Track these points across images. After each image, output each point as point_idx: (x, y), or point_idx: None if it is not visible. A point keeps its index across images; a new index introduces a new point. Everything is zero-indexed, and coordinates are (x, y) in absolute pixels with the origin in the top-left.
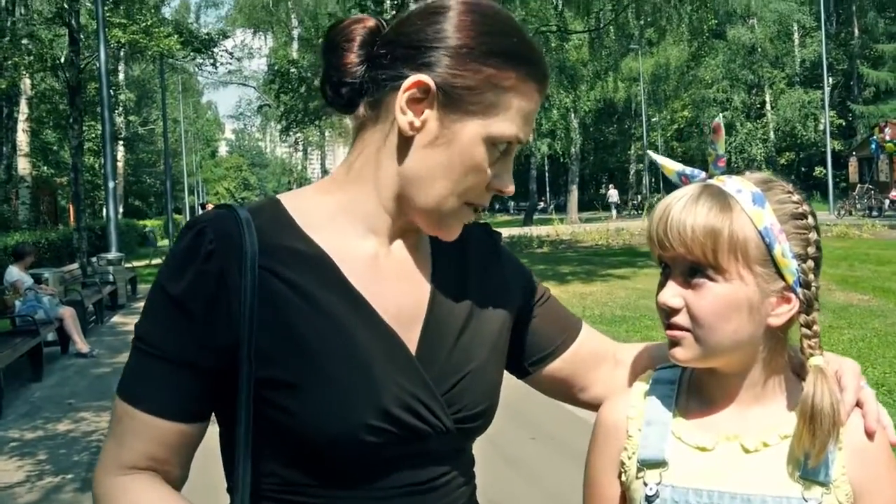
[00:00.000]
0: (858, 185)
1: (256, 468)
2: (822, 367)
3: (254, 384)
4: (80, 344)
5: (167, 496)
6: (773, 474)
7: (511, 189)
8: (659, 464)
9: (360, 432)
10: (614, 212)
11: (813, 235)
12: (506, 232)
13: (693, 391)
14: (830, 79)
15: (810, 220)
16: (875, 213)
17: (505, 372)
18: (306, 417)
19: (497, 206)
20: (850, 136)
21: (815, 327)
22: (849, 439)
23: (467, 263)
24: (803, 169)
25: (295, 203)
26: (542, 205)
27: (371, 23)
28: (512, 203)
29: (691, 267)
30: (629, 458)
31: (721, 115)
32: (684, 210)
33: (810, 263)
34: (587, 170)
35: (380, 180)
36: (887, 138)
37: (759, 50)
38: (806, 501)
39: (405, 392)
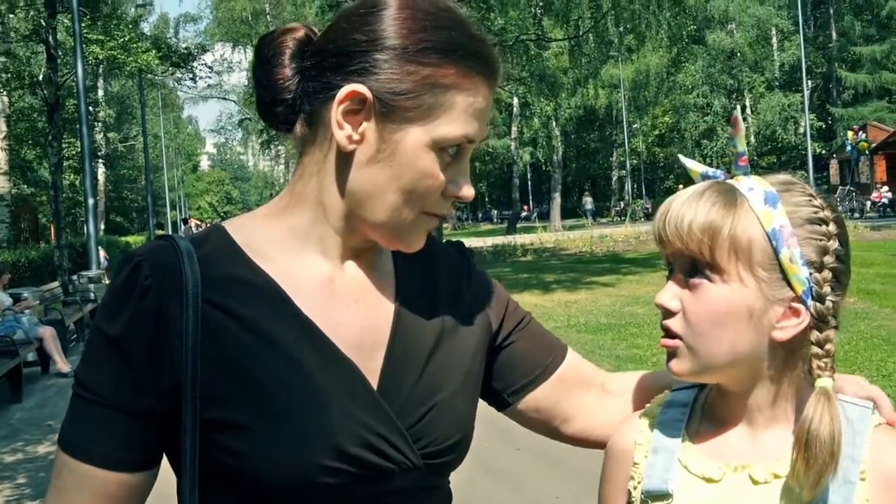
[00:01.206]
0: (840, 188)
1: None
2: (829, 391)
3: (201, 427)
4: (61, 364)
5: None
6: None
7: (469, 194)
8: (663, 496)
9: (316, 474)
10: (590, 219)
11: (833, 244)
12: (489, 241)
13: (706, 414)
14: (809, 82)
15: (832, 227)
16: (857, 215)
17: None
18: (257, 460)
19: (480, 216)
20: (830, 139)
21: (827, 346)
22: (875, 469)
23: (437, 284)
24: (784, 172)
25: (241, 230)
26: (525, 213)
27: (301, 32)
28: (495, 212)
29: (691, 265)
30: (634, 489)
31: (738, 108)
32: (685, 204)
33: (826, 274)
34: (570, 177)
35: (325, 200)
36: (861, 136)
37: (739, 55)
38: None
39: (365, 428)
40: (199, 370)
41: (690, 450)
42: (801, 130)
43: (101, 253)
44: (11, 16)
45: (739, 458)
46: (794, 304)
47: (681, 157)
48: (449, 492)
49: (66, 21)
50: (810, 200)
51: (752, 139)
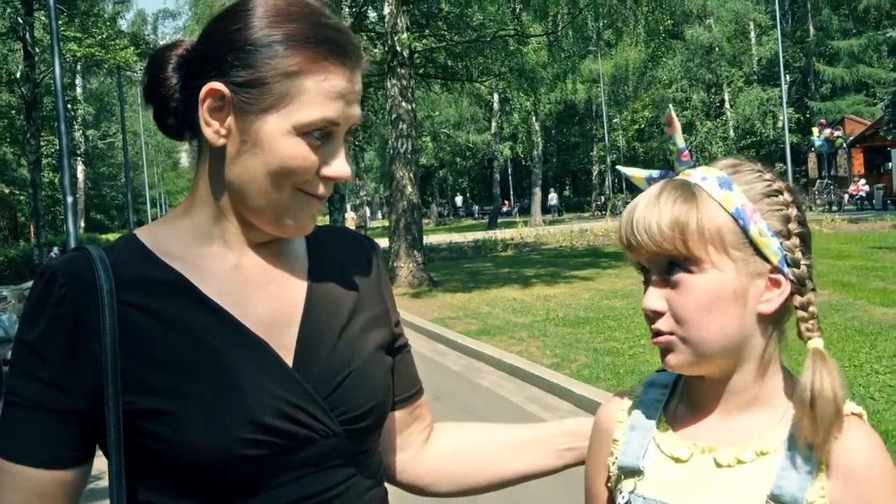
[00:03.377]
0: (818, 181)
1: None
2: (822, 350)
3: (126, 418)
4: None
5: None
6: (742, 493)
7: (343, 173)
8: (635, 472)
9: (237, 447)
10: (555, 214)
11: (792, 211)
12: (470, 236)
13: (684, 396)
14: (787, 76)
15: (787, 195)
16: (835, 208)
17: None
18: (179, 442)
19: (463, 213)
20: (808, 133)
21: (811, 308)
22: (834, 459)
23: (348, 265)
24: (764, 165)
25: (149, 234)
26: (505, 208)
27: (182, 48)
28: (476, 207)
29: (668, 263)
30: (613, 464)
31: (671, 105)
32: (647, 208)
33: (795, 240)
34: (550, 172)
35: (217, 197)
36: (836, 134)
37: (717, 49)
38: None
39: (280, 400)
40: (119, 367)
41: (665, 430)
42: (780, 124)
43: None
44: None
45: (708, 440)
46: (773, 275)
47: (619, 167)
48: (377, 459)
49: (43, 18)
50: (760, 175)
51: (731, 133)
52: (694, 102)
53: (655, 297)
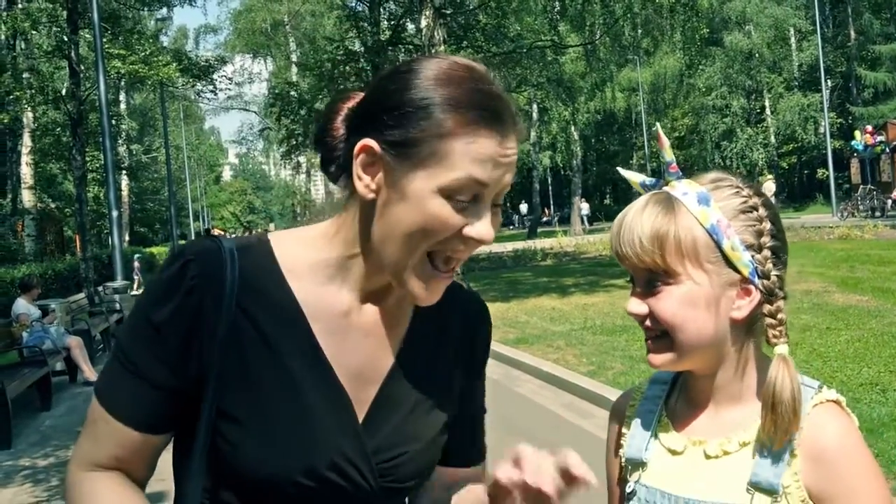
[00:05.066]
0: (861, 187)
1: (200, 484)
2: (786, 356)
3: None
4: (88, 372)
5: (127, 496)
6: (727, 482)
7: (485, 236)
8: (640, 464)
9: (286, 485)
10: (586, 224)
11: (766, 225)
12: (510, 246)
13: (682, 391)
14: (829, 81)
15: (761, 211)
16: (878, 214)
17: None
18: (244, 454)
19: (503, 221)
20: (851, 138)
21: (779, 316)
22: (806, 446)
23: (446, 339)
24: (805, 172)
25: (282, 247)
26: (545, 217)
27: (353, 100)
28: (516, 216)
29: (648, 276)
30: (622, 456)
31: (658, 124)
32: (633, 220)
33: (766, 253)
34: (590, 181)
35: (355, 243)
36: (878, 139)
37: (757, 55)
38: None
39: (341, 455)
40: (222, 365)
41: (665, 423)
42: (822, 130)
43: (136, 264)
44: (34, 32)
45: (700, 433)
46: (744, 286)
47: (620, 169)
48: None
49: (87, 36)
50: (738, 192)
51: (773, 139)
52: (734, 109)
53: (637, 304)
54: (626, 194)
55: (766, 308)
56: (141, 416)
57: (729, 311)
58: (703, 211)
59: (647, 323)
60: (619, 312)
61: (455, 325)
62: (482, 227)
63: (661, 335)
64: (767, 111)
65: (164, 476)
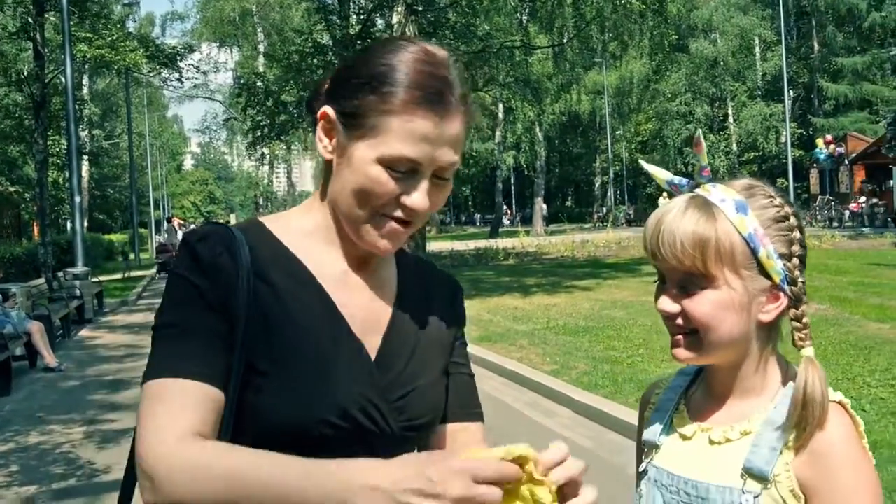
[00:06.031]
0: (819, 197)
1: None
2: (813, 358)
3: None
4: (49, 358)
5: (262, 452)
6: (724, 466)
7: (417, 205)
8: (654, 446)
9: (317, 426)
10: (542, 224)
11: (796, 234)
12: (472, 244)
13: (702, 383)
14: (791, 92)
15: (793, 220)
16: (836, 224)
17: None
18: (272, 403)
19: (464, 219)
20: (811, 148)
21: (804, 320)
22: (809, 441)
23: (429, 299)
24: (766, 180)
25: (276, 224)
26: (507, 217)
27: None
28: (479, 216)
29: (684, 277)
30: (643, 437)
31: (699, 129)
32: (673, 222)
33: (795, 261)
34: (553, 182)
35: (329, 204)
36: (839, 150)
37: (722, 63)
38: (744, 493)
39: (362, 395)
40: (247, 323)
41: (682, 411)
42: (783, 140)
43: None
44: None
45: (710, 421)
46: (774, 291)
47: (643, 163)
48: None
49: (53, 19)
50: (772, 201)
51: (734, 147)
52: (697, 116)
53: (669, 303)
54: (587, 197)
55: (793, 312)
56: (211, 369)
57: (757, 314)
58: (741, 219)
59: (679, 322)
60: (581, 313)
61: (434, 288)
62: (417, 198)
63: (689, 333)
64: (730, 119)
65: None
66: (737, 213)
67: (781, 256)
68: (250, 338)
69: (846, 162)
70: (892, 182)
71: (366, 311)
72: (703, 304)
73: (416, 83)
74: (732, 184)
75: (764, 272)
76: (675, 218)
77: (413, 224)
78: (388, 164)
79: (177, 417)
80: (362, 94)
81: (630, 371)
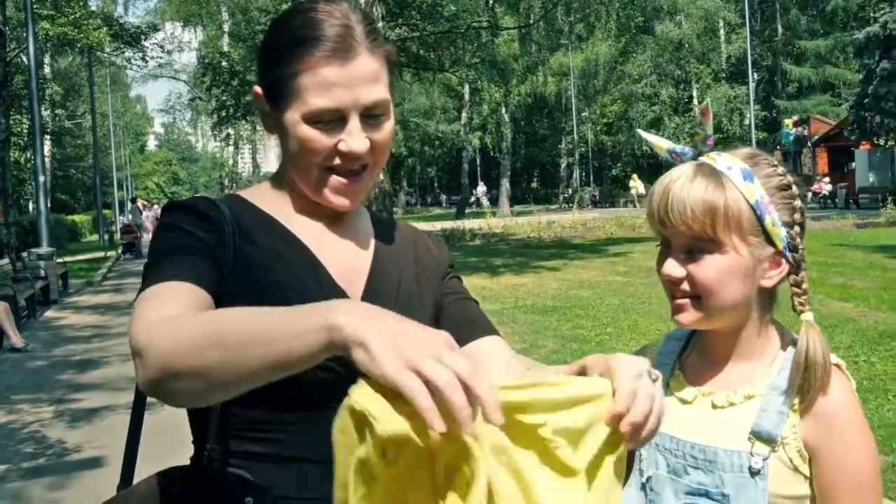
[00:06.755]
0: None
1: (223, 409)
2: (812, 321)
3: None
4: (14, 338)
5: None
6: (731, 430)
7: (355, 148)
8: None
9: (314, 369)
10: (475, 207)
11: (798, 203)
12: (438, 225)
13: (697, 347)
14: (755, 74)
15: (795, 189)
16: None
17: None
18: None
19: (430, 200)
20: (775, 130)
21: (804, 286)
22: (811, 402)
23: (407, 252)
24: None
25: (250, 194)
26: (473, 198)
27: None
28: (444, 197)
29: (691, 243)
30: None
31: (708, 100)
32: (682, 189)
33: (797, 229)
34: (518, 163)
35: (289, 172)
36: (803, 133)
37: (687, 46)
38: (753, 456)
39: None
40: (232, 279)
41: (678, 376)
42: (747, 122)
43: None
44: None
45: (709, 385)
46: (777, 258)
47: (642, 133)
48: None
49: None
50: (776, 170)
51: (699, 129)
52: (663, 98)
53: (675, 266)
54: (553, 178)
55: (793, 278)
56: (199, 276)
57: (760, 279)
58: (748, 187)
59: (684, 286)
60: (548, 293)
61: (412, 235)
62: (352, 142)
63: (692, 297)
64: (695, 101)
65: (104, 443)
66: (744, 181)
67: (784, 224)
68: (236, 287)
69: (809, 144)
70: (853, 164)
71: (346, 262)
72: (708, 269)
73: (314, 38)
74: (736, 152)
75: (768, 239)
76: (685, 186)
77: (367, 172)
78: (312, 119)
79: (167, 304)
80: (275, 65)
81: (598, 349)
